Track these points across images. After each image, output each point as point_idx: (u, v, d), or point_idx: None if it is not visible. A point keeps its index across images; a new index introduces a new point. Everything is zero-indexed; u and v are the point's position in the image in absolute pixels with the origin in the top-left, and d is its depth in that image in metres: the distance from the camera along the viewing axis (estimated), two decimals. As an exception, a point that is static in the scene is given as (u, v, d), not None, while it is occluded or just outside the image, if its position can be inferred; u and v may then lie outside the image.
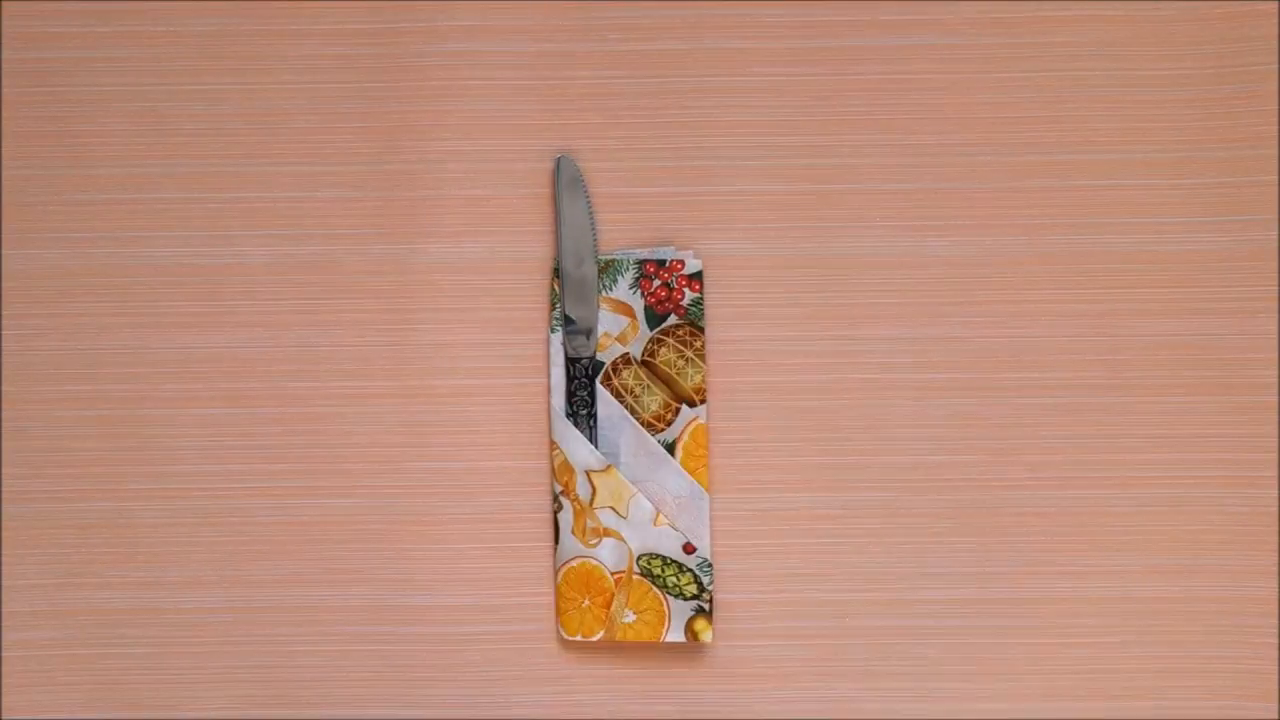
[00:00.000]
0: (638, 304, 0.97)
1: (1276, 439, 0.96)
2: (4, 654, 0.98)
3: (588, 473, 0.95)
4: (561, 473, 0.95)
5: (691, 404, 0.96)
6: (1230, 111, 0.97)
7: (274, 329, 0.98)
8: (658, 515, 0.95)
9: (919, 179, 0.98)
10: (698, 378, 0.97)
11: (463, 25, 0.99)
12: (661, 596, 0.95)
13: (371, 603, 0.97)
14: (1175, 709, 0.96)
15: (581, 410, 0.96)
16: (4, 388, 0.99)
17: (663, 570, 0.95)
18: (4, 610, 0.98)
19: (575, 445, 0.95)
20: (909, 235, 0.98)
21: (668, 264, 0.97)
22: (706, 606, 0.95)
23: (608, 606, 0.95)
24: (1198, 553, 0.96)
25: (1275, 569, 0.96)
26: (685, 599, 0.95)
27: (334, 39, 1.00)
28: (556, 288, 0.97)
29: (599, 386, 0.97)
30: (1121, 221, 0.97)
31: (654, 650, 0.97)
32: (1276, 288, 0.97)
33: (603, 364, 0.97)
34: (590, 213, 0.98)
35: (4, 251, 0.99)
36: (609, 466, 0.95)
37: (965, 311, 0.97)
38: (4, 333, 0.99)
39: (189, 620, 0.98)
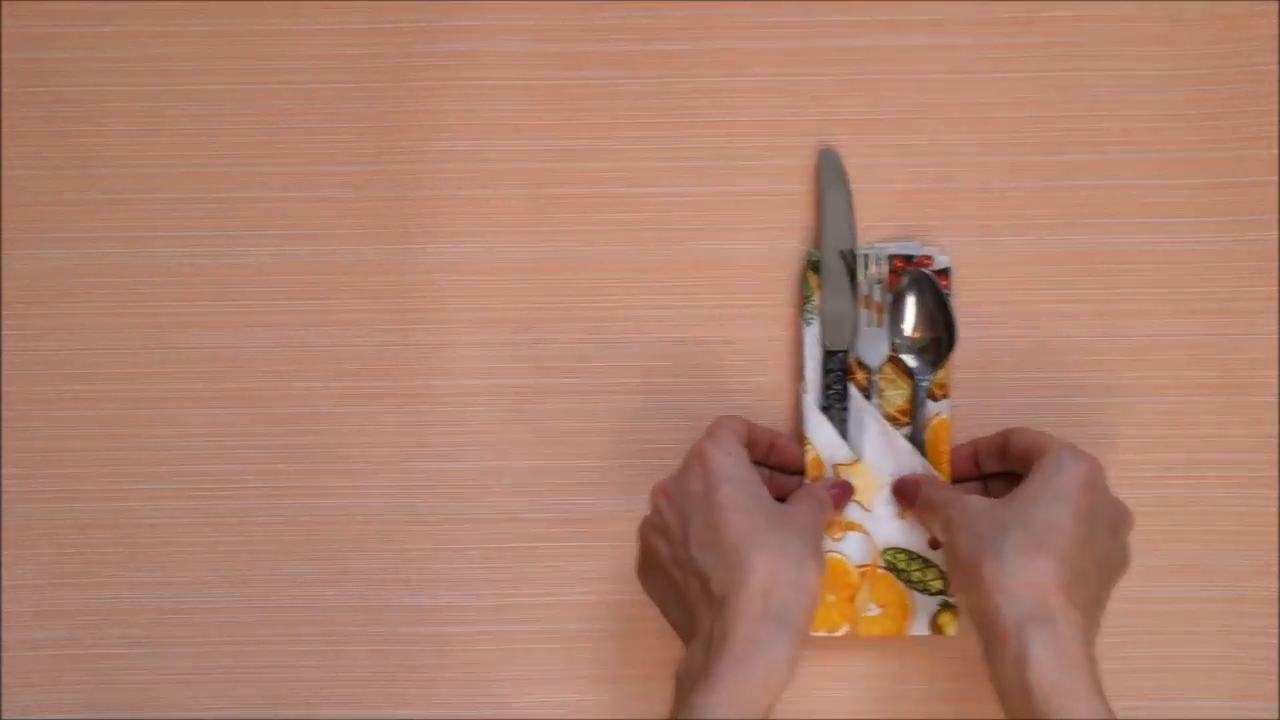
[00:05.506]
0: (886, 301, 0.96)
1: (1276, 439, 0.96)
2: (4, 654, 0.98)
3: (835, 466, 0.94)
4: (812, 468, 0.93)
5: (934, 399, 0.96)
6: (1230, 111, 0.97)
7: (274, 329, 0.98)
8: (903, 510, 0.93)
9: (919, 179, 0.98)
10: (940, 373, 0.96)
11: (463, 25, 0.99)
12: (906, 591, 0.94)
13: (371, 603, 0.97)
14: (1175, 709, 0.96)
15: (836, 404, 0.95)
16: (4, 388, 0.99)
17: (907, 565, 0.93)
18: (4, 610, 0.98)
19: (826, 438, 0.93)
20: (908, 235, 0.98)
21: (914, 259, 0.96)
22: (953, 601, 0.92)
23: (851, 600, 0.93)
24: (1198, 553, 0.96)
25: (1275, 569, 0.96)
26: (930, 594, 0.93)
27: (334, 39, 1.00)
28: (812, 280, 0.96)
29: (847, 381, 0.94)
30: (1121, 221, 0.97)
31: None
32: (1276, 288, 0.97)
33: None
34: (850, 205, 0.96)
35: (4, 251, 0.99)
36: (856, 461, 0.93)
37: (965, 311, 0.97)
38: (4, 333, 0.99)
39: (189, 620, 0.97)
